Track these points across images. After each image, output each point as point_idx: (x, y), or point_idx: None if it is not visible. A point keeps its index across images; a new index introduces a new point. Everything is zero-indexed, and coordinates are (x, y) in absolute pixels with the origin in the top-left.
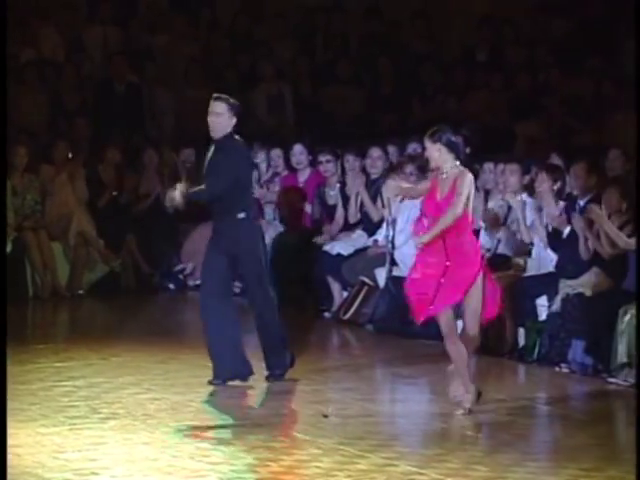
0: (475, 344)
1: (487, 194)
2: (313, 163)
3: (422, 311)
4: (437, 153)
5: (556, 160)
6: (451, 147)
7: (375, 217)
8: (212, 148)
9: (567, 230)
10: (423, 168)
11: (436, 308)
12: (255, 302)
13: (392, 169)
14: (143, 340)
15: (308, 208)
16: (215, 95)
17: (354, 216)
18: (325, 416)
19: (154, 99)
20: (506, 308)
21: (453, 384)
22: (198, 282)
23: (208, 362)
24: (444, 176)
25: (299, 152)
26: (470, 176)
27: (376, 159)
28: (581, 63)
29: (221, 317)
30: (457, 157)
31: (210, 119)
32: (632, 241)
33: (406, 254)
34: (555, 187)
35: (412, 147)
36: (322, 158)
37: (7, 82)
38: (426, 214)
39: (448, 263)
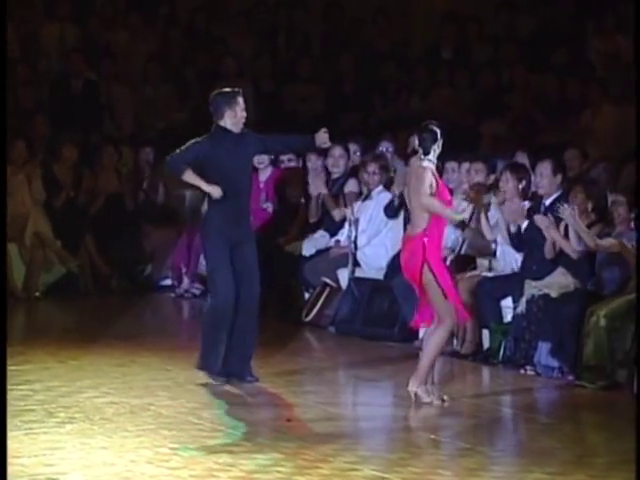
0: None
1: (451, 193)
2: (275, 162)
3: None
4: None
5: (521, 159)
6: (420, 142)
7: (337, 217)
8: (229, 142)
9: (524, 225)
10: (386, 167)
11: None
12: (248, 295)
13: (355, 168)
14: (101, 343)
15: (269, 207)
16: (240, 90)
17: (315, 216)
18: (288, 420)
19: (112, 97)
20: (470, 309)
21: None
22: (162, 283)
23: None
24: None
25: None
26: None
27: (338, 158)
28: (546, 60)
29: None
30: (424, 152)
31: (242, 114)
32: (604, 242)
33: (369, 255)
34: (520, 186)
35: (384, 145)
36: (284, 157)
37: (6, 82)
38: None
39: None
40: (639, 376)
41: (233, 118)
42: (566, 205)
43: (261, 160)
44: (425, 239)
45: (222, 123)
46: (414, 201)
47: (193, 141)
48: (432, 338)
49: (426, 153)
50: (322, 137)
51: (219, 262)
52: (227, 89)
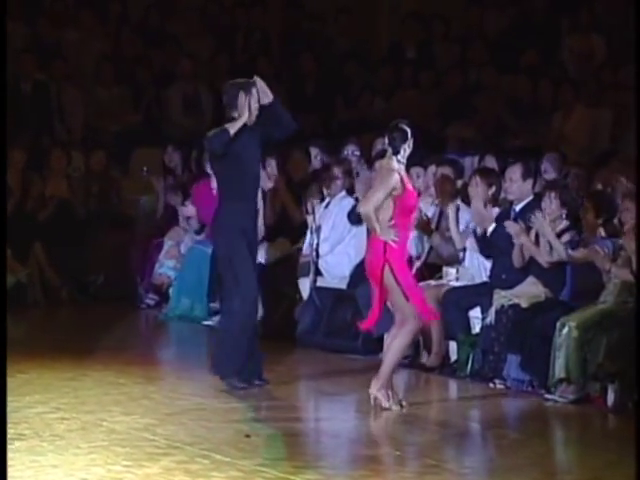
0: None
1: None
2: None
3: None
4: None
5: (490, 163)
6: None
7: (297, 220)
8: (243, 134)
9: (491, 228)
10: (350, 172)
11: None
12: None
13: (317, 173)
14: (51, 356)
15: None
16: (254, 81)
17: (270, 218)
18: (247, 436)
19: (63, 98)
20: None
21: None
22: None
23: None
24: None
25: None
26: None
27: (299, 162)
28: (516, 61)
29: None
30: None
31: (256, 106)
32: (577, 253)
33: (331, 263)
34: (490, 192)
35: (350, 149)
36: None
37: (6, 81)
38: (414, 205)
39: None
40: (639, 390)
41: (247, 111)
42: (538, 214)
43: None
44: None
45: (235, 115)
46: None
47: (221, 128)
48: (395, 341)
49: (395, 153)
50: None
51: (247, 265)
52: (241, 80)
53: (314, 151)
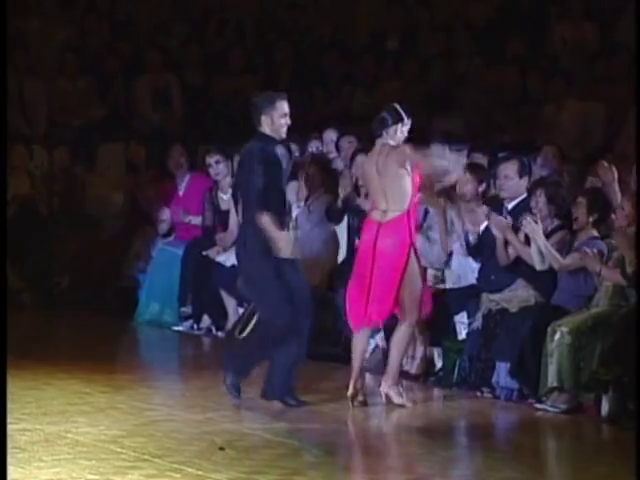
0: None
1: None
2: (194, 166)
3: None
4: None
5: (478, 159)
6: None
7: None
8: (281, 151)
9: (482, 227)
10: (328, 168)
11: None
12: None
13: (295, 168)
14: (13, 364)
15: (192, 219)
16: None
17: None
18: (221, 448)
19: (24, 90)
20: (420, 325)
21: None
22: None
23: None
24: None
25: (179, 154)
26: None
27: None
28: (503, 50)
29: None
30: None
31: (281, 121)
32: (568, 261)
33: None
34: (480, 189)
35: (314, 145)
36: (210, 160)
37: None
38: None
39: None
40: (638, 398)
41: (270, 125)
42: (530, 219)
43: (181, 163)
44: (409, 221)
45: (261, 129)
46: (390, 181)
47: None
48: (397, 336)
49: (379, 135)
50: None
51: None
52: (269, 93)
53: (292, 146)
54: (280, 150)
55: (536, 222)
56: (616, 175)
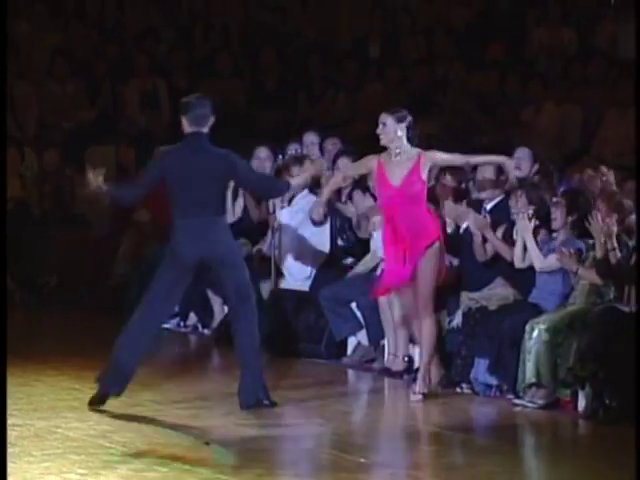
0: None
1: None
2: None
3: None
4: (398, 133)
5: None
6: (411, 131)
7: (255, 217)
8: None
9: (464, 226)
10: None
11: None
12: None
13: (278, 171)
14: None
15: None
16: None
17: (231, 217)
18: (206, 443)
19: (14, 94)
20: (400, 322)
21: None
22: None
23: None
24: (397, 158)
25: None
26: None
27: (264, 160)
28: (483, 55)
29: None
30: (412, 142)
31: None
32: (548, 262)
33: (293, 264)
34: (459, 189)
35: (293, 147)
36: None
37: (5, 81)
38: (383, 203)
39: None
40: (637, 399)
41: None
42: (524, 215)
43: None
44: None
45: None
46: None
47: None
48: (425, 331)
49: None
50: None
51: None
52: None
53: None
54: (264, 151)
55: (529, 220)
56: (605, 180)
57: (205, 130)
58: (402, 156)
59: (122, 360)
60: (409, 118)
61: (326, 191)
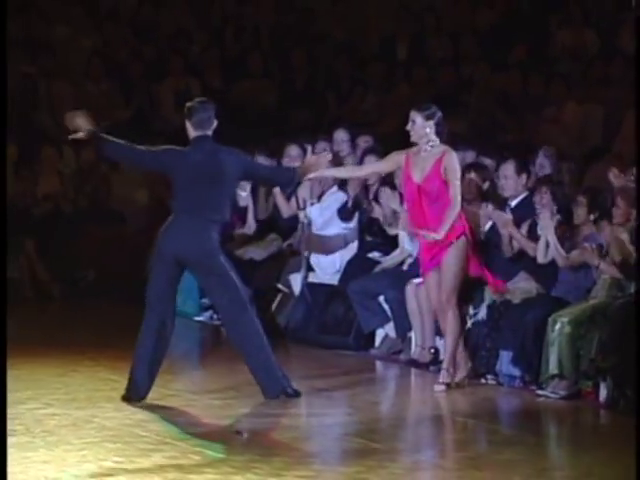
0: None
1: None
2: None
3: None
4: (427, 130)
5: (482, 159)
6: (440, 127)
7: (285, 214)
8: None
9: (486, 228)
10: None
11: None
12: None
13: None
14: (42, 352)
15: None
16: None
17: (263, 214)
18: (238, 432)
19: (52, 93)
20: (426, 315)
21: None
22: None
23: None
24: (423, 154)
25: None
26: (455, 154)
27: (294, 158)
28: (506, 56)
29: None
30: (441, 138)
31: None
32: (572, 257)
33: (322, 259)
34: (485, 187)
35: (321, 146)
36: None
37: (5, 81)
38: (407, 198)
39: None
40: (638, 386)
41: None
42: (547, 214)
43: None
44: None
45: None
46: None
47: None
48: (448, 324)
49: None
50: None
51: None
52: (204, 99)
53: (309, 146)
54: (294, 149)
55: (551, 219)
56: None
57: (209, 133)
58: (429, 152)
59: (139, 372)
60: (438, 114)
61: (347, 171)
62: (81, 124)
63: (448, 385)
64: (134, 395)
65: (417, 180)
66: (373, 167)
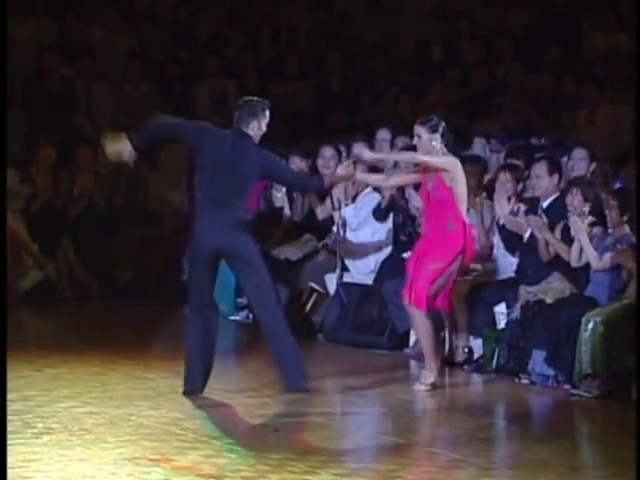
0: None
1: None
2: None
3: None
4: (434, 142)
5: (516, 160)
6: (446, 137)
7: (320, 215)
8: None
9: (527, 234)
10: (376, 168)
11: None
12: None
13: None
14: (79, 351)
15: None
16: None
17: (299, 215)
18: (275, 430)
19: (90, 95)
20: (461, 315)
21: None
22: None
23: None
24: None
25: None
26: (459, 164)
27: (329, 159)
28: (540, 58)
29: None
30: (448, 147)
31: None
32: (604, 261)
33: (357, 259)
34: (519, 188)
35: (358, 147)
36: None
37: (6, 81)
38: (422, 205)
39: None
40: (639, 382)
41: (257, 129)
42: (577, 219)
43: None
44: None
45: (245, 130)
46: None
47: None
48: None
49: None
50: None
51: None
52: (256, 99)
53: (344, 148)
54: (329, 151)
55: (582, 222)
56: None
57: (247, 131)
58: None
59: (193, 361)
60: (442, 124)
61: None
62: (122, 149)
63: (433, 385)
64: (193, 389)
65: (429, 188)
66: (404, 179)
